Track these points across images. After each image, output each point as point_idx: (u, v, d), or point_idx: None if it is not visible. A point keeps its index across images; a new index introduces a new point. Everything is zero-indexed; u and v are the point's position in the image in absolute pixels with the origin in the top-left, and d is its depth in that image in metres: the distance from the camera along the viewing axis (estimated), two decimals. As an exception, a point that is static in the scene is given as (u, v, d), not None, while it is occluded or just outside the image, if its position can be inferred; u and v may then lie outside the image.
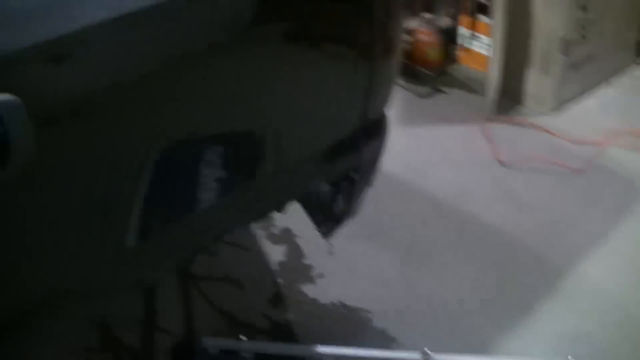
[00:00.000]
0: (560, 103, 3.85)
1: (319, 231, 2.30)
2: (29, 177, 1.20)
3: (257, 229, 2.99)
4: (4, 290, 1.34)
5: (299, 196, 2.18)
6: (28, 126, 1.11)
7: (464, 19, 3.95)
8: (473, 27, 3.92)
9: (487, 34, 3.78)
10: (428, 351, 2.26)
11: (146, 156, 1.44)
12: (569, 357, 2.29)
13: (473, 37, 3.94)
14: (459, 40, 4.04)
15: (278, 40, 1.60)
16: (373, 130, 2.09)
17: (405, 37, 4.16)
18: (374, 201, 3.08)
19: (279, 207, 2.14)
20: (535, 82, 3.81)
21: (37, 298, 1.43)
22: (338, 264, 2.85)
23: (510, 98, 3.84)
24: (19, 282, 1.37)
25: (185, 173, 1.60)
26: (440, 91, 4.04)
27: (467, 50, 4.01)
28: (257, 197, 1.89)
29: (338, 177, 2.12)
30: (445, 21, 4.04)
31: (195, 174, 1.60)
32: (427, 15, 3.98)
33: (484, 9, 3.81)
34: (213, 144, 1.60)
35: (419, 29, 3.98)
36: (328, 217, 2.25)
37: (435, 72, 4.02)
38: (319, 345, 2.30)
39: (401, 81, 4.07)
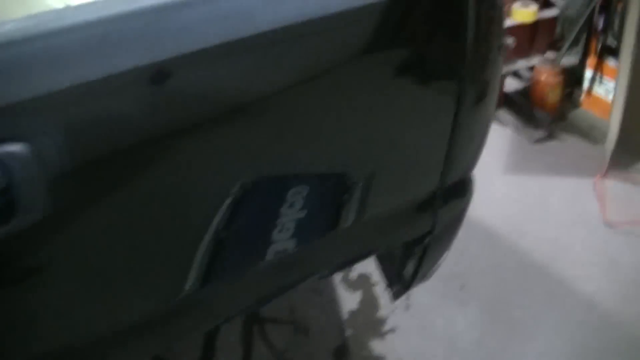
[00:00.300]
0: (687, 163, 3.48)
1: (389, 290, 2.15)
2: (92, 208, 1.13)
3: (333, 272, 2.85)
4: (56, 333, 1.27)
5: (368, 256, 2.01)
6: (36, 179, 1.02)
7: (591, 60, 3.68)
8: (599, 69, 3.64)
9: (614, 78, 3.50)
10: None
11: (223, 194, 1.31)
12: None
13: (598, 80, 3.66)
14: (584, 83, 3.77)
15: (362, 78, 1.40)
16: (452, 194, 1.89)
17: (524, 75, 3.93)
18: (462, 253, 2.90)
19: (347, 265, 1.99)
20: (662, 138, 3.46)
21: (90, 340, 1.34)
22: (413, 321, 2.66)
23: (631, 152, 3.48)
24: (73, 324, 1.28)
25: (263, 215, 1.45)
26: (555, 137, 3.74)
27: (591, 94, 3.73)
28: (331, 251, 1.73)
29: (408, 241, 1.94)
30: (569, 61, 3.77)
31: (274, 216, 1.45)
32: (551, 54, 3.71)
33: (612, 51, 3.53)
34: (303, 183, 1.46)
35: (540, 68, 3.72)
36: (397, 280, 2.09)
37: (552, 115, 3.74)
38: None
39: (514, 122, 3.83)
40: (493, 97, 1.70)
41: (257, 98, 1.24)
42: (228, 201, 1.31)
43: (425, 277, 2.08)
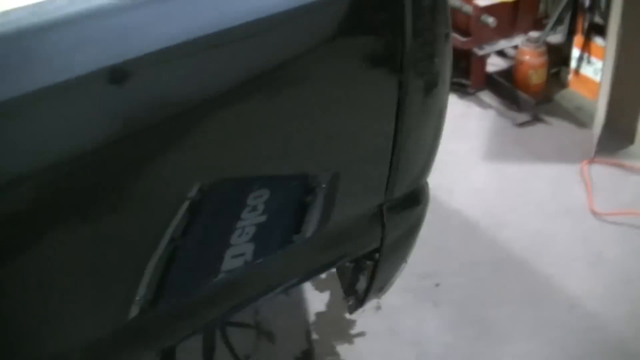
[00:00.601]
0: (679, 146, 3.23)
1: (346, 302, 1.96)
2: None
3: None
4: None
5: (315, 275, 1.83)
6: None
7: (578, 39, 3.43)
8: (587, 48, 3.39)
9: (601, 58, 3.25)
10: None
11: (177, 202, 1.19)
12: None
13: (586, 60, 3.42)
14: (571, 63, 3.52)
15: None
16: (403, 205, 1.68)
17: (511, 53, 3.70)
18: (437, 249, 2.71)
19: (294, 285, 1.81)
20: (651, 120, 3.20)
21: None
22: (383, 323, 2.47)
23: (619, 135, 3.23)
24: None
25: (221, 224, 1.32)
26: (540, 120, 3.49)
27: (579, 74, 3.48)
28: (273, 271, 1.54)
29: (357, 256, 1.75)
30: (555, 40, 3.53)
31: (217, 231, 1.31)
32: (534, 33, 3.46)
33: (599, 29, 3.28)
34: (267, 185, 1.32)
35: (523, 48, 3.47)
36: (350, 294, 1.90)
37: (537, 97, 3.49)
38: None
39: (497, 104, 3.60)
40: (441, 94, 1.50)
41: (187, 106, 1.12)
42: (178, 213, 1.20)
43: (380, 291, 1.91)
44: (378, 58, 1.32)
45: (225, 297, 1.48)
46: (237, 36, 1.12)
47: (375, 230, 1.64)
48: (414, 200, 1.71)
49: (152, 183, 1.15)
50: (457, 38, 3.46)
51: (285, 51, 1.20)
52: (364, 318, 2.49)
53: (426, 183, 1.74)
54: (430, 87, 1.44)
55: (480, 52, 3.50)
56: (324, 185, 1.44)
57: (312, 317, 2.51)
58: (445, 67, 1.45)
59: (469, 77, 3.65)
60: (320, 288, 2.60)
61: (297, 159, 1.36)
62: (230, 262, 1.36)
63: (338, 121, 1.36)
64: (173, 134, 1.12)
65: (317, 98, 1.29)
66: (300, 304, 2.55)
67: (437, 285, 2.61)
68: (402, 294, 2.53)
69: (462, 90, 3.70)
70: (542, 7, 3.50)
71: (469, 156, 3.25)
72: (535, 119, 3.48)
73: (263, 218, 1.36)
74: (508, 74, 3.63)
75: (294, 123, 1.29)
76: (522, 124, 3.46)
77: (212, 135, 1.18)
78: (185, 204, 1.20)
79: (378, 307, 2.53)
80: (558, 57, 3.56)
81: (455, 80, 3.73)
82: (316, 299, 2.57)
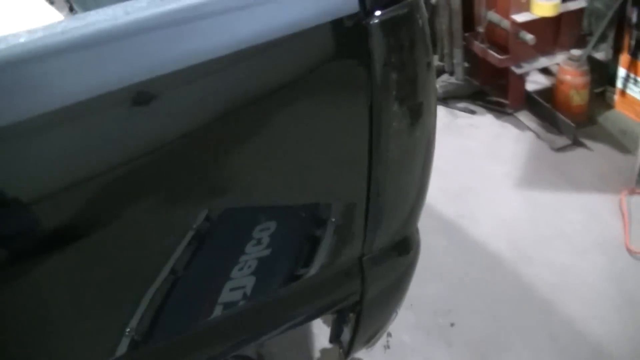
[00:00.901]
0: None
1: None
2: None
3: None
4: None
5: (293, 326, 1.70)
6: None
7: (624, 57, 3.19)
8: (633, 68, 3.15)
9: (650, 78, 3.02)
10: None
11: (179, 234, 1.13)
12: None
13: (632, 80, 3.18)
14: (617, 83, 3.28)
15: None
16: (386, 257, 1.53)
17: (555, 70, 3.47)
18: (457, 284, 2.55)
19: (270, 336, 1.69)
20: (700, 149, 2.94)
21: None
22: (390, 363, 2.33)
23: (664, 164, 3.00)
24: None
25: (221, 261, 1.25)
26: (581, 144, 3.25)
27: (625, 95, 3.25)
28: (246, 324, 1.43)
29: (335, 310, 1.61)
30: (600, 58, 3.29)
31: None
32: (576, 51, 3.23)
33: (646, 48, 3.04)
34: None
35: (564, 67, 3.24)
36: (335, 343, 1.77)
37: (578, 119, 3.26)
38: None
39: (536, 126, 3.38)
40: (426, 128, 1.32)
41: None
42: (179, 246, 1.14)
43: (368, 342, 1.76)
44: (347, 93, 1.19)
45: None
46: (210, 70, 1.03)
47: (355, 283, 1.50)
48: (401, 249, 1.56)
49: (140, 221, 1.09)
50: (494, 55, 3.27)
51: (259, 88, 1.10)
52: (371, 357, 2.34)
53: (416, 229, 1.59)
54: (413, 121, 1.28)
55: (519, 71, 3.29)
56: (290, 235, 1.33)
57: (316, 354, 2.37)
58: (429, 98, 1.29)
59: (507, 96, 3.45)
60: (328, 322, 2.46)
61: (256, 202, 1.24)
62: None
63: (299, 161, 1.23)
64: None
65: (281, 137, 1.17)
66: (305, 339, 2.42)
67: (453, 324, 2.43)
68: (414, 331, 2.38)
69: (499, 109, 3.49)
70: (585, 22, 3.25)
71: (501, 182, 3.05)
72: (576, 143, 3.24)
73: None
74: (549, 93, 3.41)
75: (256, 162, 1.17)
76: (561, 148, 3.23)
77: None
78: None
79: (387, 346, 2.37)
80: (603, 76, 3.32)
81: (492, 99, 3.54)
82: (321, 333, 2.43)
